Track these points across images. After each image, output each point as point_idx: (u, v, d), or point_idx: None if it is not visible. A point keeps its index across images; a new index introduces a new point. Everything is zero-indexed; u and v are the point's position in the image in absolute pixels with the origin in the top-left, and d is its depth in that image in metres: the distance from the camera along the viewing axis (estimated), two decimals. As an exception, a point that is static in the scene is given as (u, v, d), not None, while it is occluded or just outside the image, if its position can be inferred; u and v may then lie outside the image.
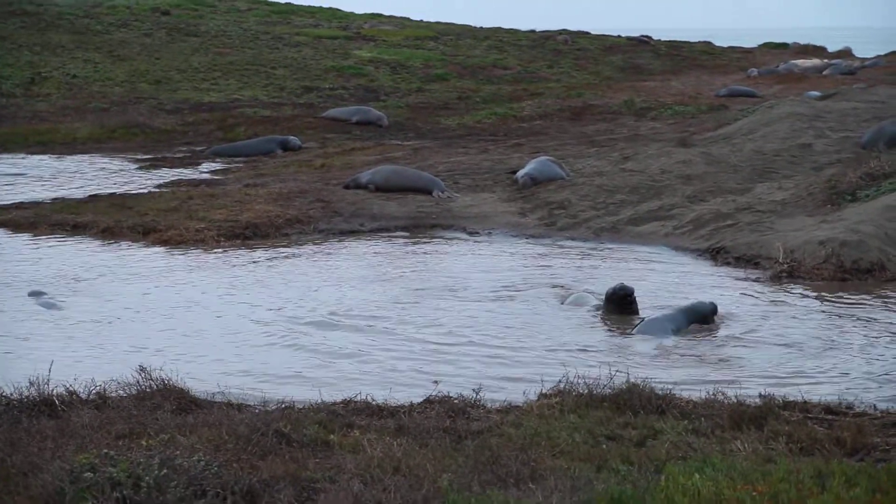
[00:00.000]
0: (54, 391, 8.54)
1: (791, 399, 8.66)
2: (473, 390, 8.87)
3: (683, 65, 41.69)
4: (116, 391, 8.80)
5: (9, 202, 18.74)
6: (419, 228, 17.40)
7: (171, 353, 10.75)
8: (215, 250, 15.61)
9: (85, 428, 7.66)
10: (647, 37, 46.69)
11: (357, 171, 20.70)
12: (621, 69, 39.77)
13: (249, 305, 12.71)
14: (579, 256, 15.69)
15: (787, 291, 13.47)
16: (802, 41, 51.71)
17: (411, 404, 8.74)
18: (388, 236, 16.95)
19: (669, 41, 46.48)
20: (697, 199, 17.90)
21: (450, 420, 8.16)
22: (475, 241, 16.69)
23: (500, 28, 46.26)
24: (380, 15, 47.30)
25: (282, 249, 15.84)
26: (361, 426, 7.96)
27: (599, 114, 30.25)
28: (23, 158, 24.47)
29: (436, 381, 9.84)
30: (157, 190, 20.22)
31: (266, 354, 10.87)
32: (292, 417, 8.00)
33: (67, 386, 8.74)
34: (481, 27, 46.06)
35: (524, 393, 9.12)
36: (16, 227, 16.88)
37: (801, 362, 10.57)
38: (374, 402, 8.73)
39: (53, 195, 19.58)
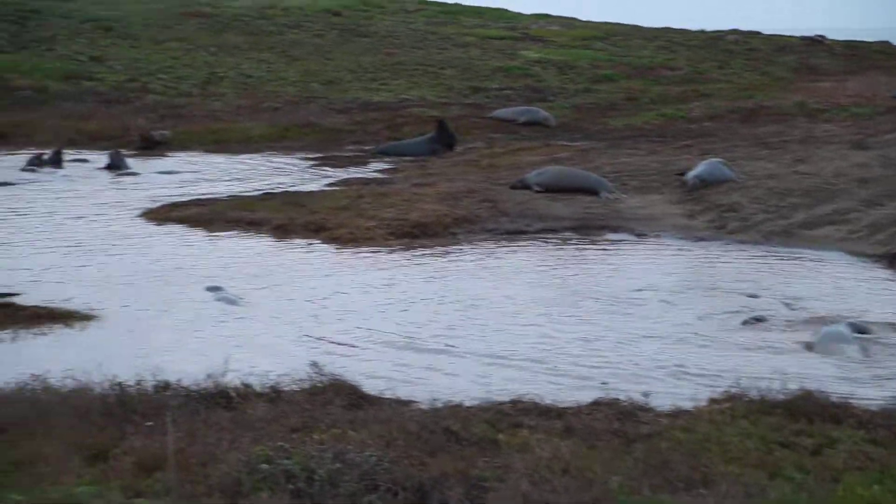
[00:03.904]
0: (230, 384, 8.78)
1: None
2: (642, 393, 8.81)
3: (859, 65, 40.51)
4: (290, 385, 8.98)
5: (186, 199, 19.27)
6: (586, 229, 17.31)
7: (343, 350, 10.92)
8: (385, 248, 15.78)
9: (260, 420, 7.83)
10: (821, 36, 45.54)
11: (524, 171, 20.70)
12: (794, 70, 38.87)
13: (422, 303, 12.82)
14: (750, 260, 15.41)
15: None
16: None
17: (579, 406, 8.71)
18: (555, 237, 16.90)
19: (846, 41, 45.24)
20: (874, 204, 17.42)
21: (618, 422, 8.10)
22: (643, 243, 16.53)
23: (669, 28, 45.70)
24: (547, 15, 47.18)
25: (449, 248, 15.93)
26: (529, 426, 7.96)
27: (771, 115, 29.64)
28: (200, 156, 25.17)
29: (604, 383, 9.80)
30: (328, 188, 20.57)
31: (434, 353, 10.94)
32: (461, 415, 8.06)
33: (243, 379, 8.97)
34: (650, 27, 45.59)
35: (694, 397, 9.01)
36: (193, 223, 17.34)
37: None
38: (541, 403, 8.72)
39: (229, 192, 20.08)
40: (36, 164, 23.08)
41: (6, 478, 6.44)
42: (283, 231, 16.73)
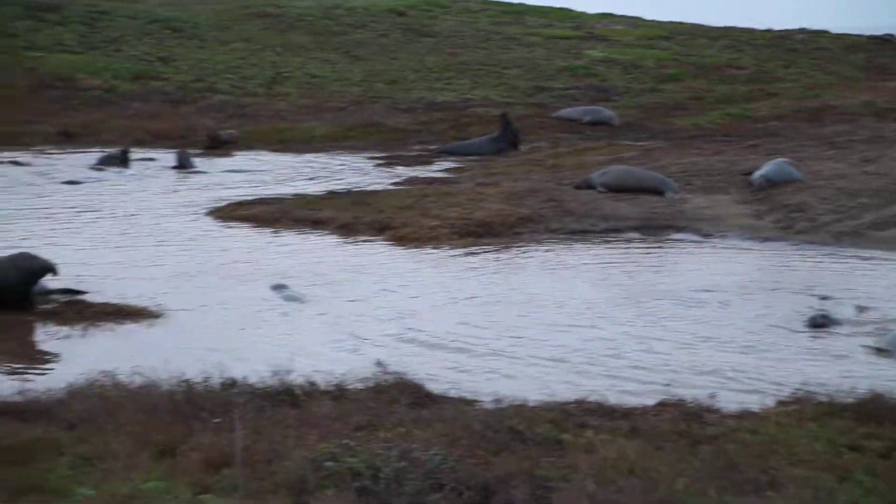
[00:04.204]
0: (295, 382, 8.82)
1: None
2: (708, 395, 8.74)
3: (930, 64, 39.96)
4: (354, 384, 9.01)
5: (252, 198, 19.40)
6: (651, 229, 17.21)
7: (407, 348, 10.94)
8: (449, 247, 15.79)
9: (325, 418, 7.86)
10: (890, 35, 44.94)
11: (588, 171, 20.62)
12: (862, 69, 38.40)
13: (485, 303, 12.81)
14: (819, 261, 15.25)
15: None
16: None
17: (644, 406, 8.67)
18: (620, 237, 16.82)
19: (916, 40, 44.58)
20: (945, 204, 17.18)
21: (684, 424, 8.04)
22: (708, 244, 16.40)
23: (734, 27, 45.34)
24: (612, 14, 46.96)
25: (513, 248, 15.92)
26: (594, 426, 7.92)
27: (838, 115, 29.30)
28: (265, 155, 25.35)
29: (667, 385, 9.73)
30: (393, 187, 20.63)
31: (497, 353, 10.92)
32: (525, 415, 8.04)
33: (307, 377, 9.01)
34: (715, 26, 45.23)
35: (760, 399, 8.93)
36: (259, 222, 17.46)
37: None
38: (606, 403, 8.68)
39: (294, 191, 20.20)
40: (106, 163, 23.36)
41: (77, 473, 6.52)
42: (347, 230, 16.79)
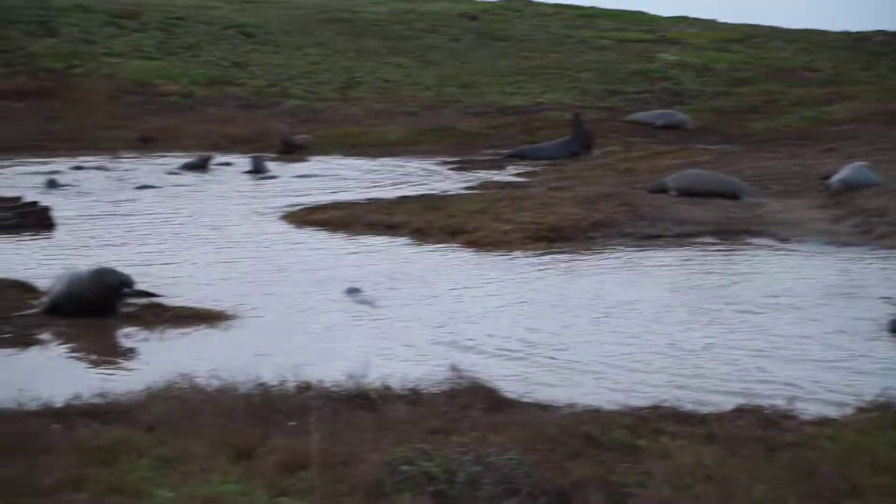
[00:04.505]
0: (370, 385, 8.86)
1: None
2: (786, 401, 8.65)
3: None
4: (429, 388, 9.03)
5: (326, 202, 19.52)
6: (726, 234, 17.05)
7: (480, 353, 10.93)
8: (521, 251, 15.77)
9: (400, 422, 7.89)
10: (971, 36, 44.14)
11: (661, 175, 20.51)
12: (942, 71, 37.79)
13: (558, 308, 12.78)
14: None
15: None
16: None
17: (720, 412, 8.59)
18: (694, 242, 16.69)
19: None
20: None
21: (761, 430, 7.96)
22: (784, 249, 16.23)
23: (809, 29, 44.82)
24: (686, 17, 46.63)
25: (586, 253, 15.86)
26: (670, 432, 7.87)
27: (918, 117, 28.87)
28: (338, 160, 25.50)
29: (743, 390, 9.64)
30: (465, 192, 20.65)
31: (570, 358, 10.89)
32: (600, 420, 8.01)
33: (382, 381, 9.04)
34: (790, 28, 44.76)
35: (839, 406, 8.83)
36: (332, 226, 17.56)
37: None
38: (682, 409, 8.62)
39: (367, 196, 20.30)
40: (186, 168, 23.68)
41: (156, 474, 6.60)
42: (420, 234, 16.83)
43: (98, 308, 11.90)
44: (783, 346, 11.21)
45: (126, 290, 12.06)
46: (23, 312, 11.87)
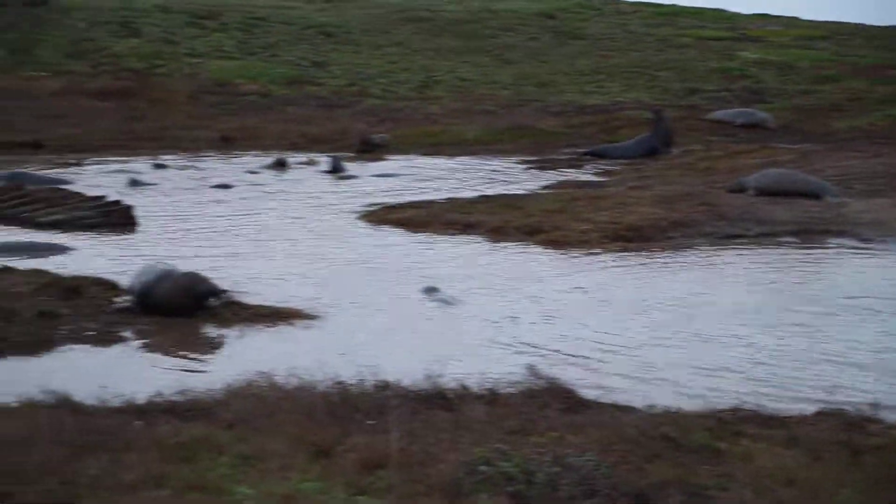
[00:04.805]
0: (448, 385, 8.86)
1: None
2: (870, 404, 8.51)
3: None
4: (506, 388, 9.00)
5: (403, 201, 19.58)
6: (807, 234, 16.83)
7: (557, 353, 10.89)
8: (599, 251, 15.69)
9: (478, 422, 7.87)
10: None
11: (741, 174, 20.30)
12: None
13: (636, 308, 12.70)
14: None
15: None
16: None
17: (802, 415, 8.48)
18: (775, 242, 16.49)
19: None
20: None
21: (845, 434, 7.83)
22: (868, 249, 15.98)
23: (895, 27, 44.11)
24: (767, 15, 46.11)
25: (664, 253, 15.74)
26: (750, 435, 7.77)
27: None
28: (416, 159, 25.56)
29: (827, 393, 9.50)
30: (543, 191, 20.60)
31: (647, 358, 10.80)
32: (680, 422, 7.93)
33: (460, 380, 9.04)
34: (875, 25, 44.08)
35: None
36: (410, 225, 17.60)
37: None
38: (763, 412, 8.52)
39: (445, 195, 20.32)
40: (268, 167, 23.91)
41: (236, 472, 6.65)
42: (498, 233, 16.81)
43: (183, 313, 12.03)
44: (864, 349, 11.03)
45: (212, 299, 12.17)
46: (111, 309, 12.01)
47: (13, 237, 16.50)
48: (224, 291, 12.33)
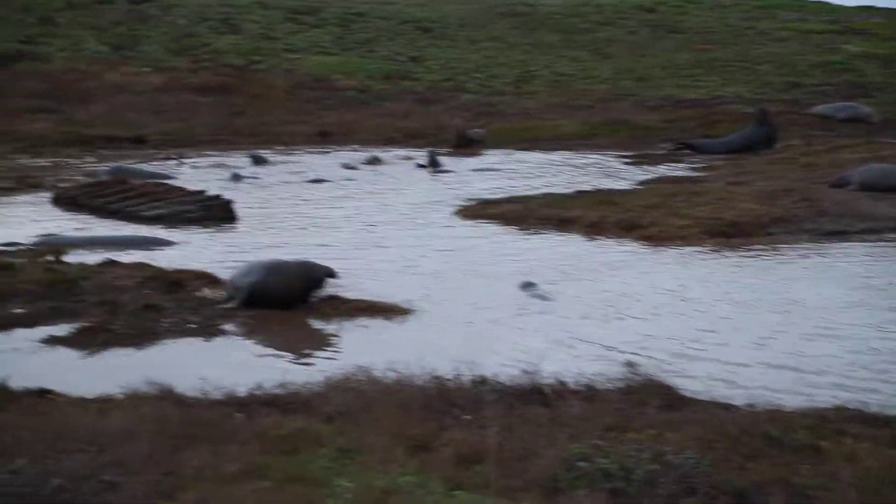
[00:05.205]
0: (544, 380, 8.83)
1: None
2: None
3: None
4: (603, 384, 8.95)
5: (499, 196, 19.57)
6: (913, 230, 16.52)
7: (654, 349, 10.80)
8: (698, 247, 15.54)
9: (575, 418, 7.84)
10: None
11: (843, 169, 19.97)
12: None
13: (735, 305, 12.56)
14: None
15: None
16: None
17: (908, 414, 8.32)
18: (879, 238, 16.19)
19: None
20: None
21: (953, 434, 7.67)
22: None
23: None
24: (871, 7, 45.32)
25: (765, 249, 15.54)
26: (854, 434, 7.64)
27: None
28: (512, 154, 25.54)
29: (932, 393, 9.32)
30: (641, 186, 20.45)
31: (747, 356, 10.68)
32: (781, 420, 7.82)
33: (556, 376, 9.01)
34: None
35: None
36: (506, 220, 17.60)
37: None
38: (867, 411, 8.36)
39: (541, 190, 20.26)
40: (365, 161, 24.06)
41: (336, 465, 6.70)
42: (595, 229, 16.74)
43: (296, 300, 12.19)
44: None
45: (327, 280, 12.39)
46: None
47: (118, 231, 16.81)
48: (337, 275, 12.52)
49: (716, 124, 27.94)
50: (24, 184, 21.10)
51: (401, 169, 23.82)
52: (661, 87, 32.95)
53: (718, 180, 20.57)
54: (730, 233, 16.21)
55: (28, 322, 11.45)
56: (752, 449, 7.11)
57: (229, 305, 12.12)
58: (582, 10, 41.82)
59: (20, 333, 11.12)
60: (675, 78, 34.04)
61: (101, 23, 37.07)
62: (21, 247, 15.19)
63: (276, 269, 12.35)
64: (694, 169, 22.76)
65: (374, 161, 24.21)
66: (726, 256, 15.11)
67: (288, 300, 12.19)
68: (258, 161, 24.24)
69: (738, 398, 8.94)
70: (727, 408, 8.50)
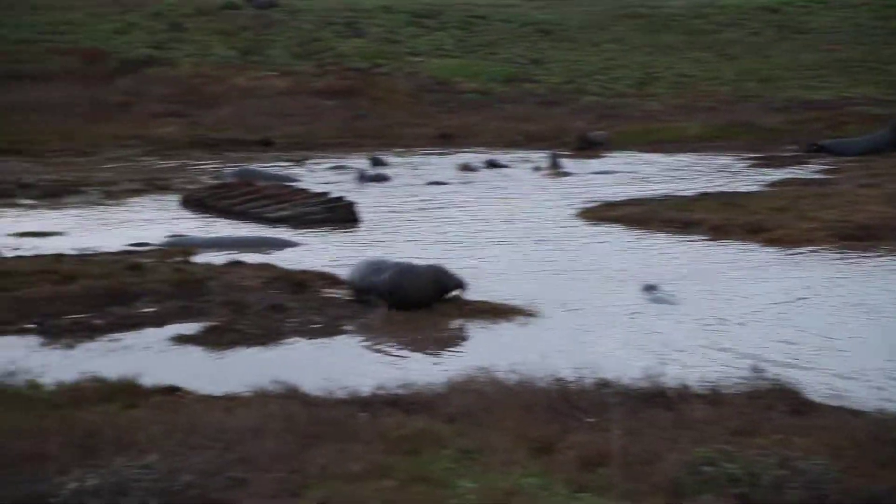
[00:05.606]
0: (668, 384, 8.75)
1: None
2: None
3: None
4: (728, 388, 8.84)
5: (622, 198, 19.44)
6: None
7: (780, 353, 10.62)
8: (827, 251, 15.23)
9: (699, 422, 7.75)
10: None
11: (980, 171, 19.45)
12: None
13: (865, 310, 12.28)
14: None
15: None
16: None
17: None
18: None
19: None
20: None
21: None
22: None
23: None
24: None
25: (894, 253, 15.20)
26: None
27: None
28: (634, 156, 25.36)
29: None
30: (766, 188, 20.14)
31: (879, 357, 10.44)
32: (913, 428, 7.65)
33: (680, 379, 8.92)
34: None
35: None
36: (628, 222, 17.46)
37: None
38: None
39: (664, 192, 20.08)
40: (488, 164, 24.08)
41: (458, 465, 6.72)
42: (719, 232, 16.51)
43: (425, 304, 12.30)
44: None
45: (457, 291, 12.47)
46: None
47: (244, 232, 17.09)
48: (466, 285, 12.60)
49: (843, 126, 27.40)
50: (154, 186, 21.57)
51: (522, 171, 23.80)
52: (785, 89, 32.42)
53: (847, 182, 20.16)
54: (859, 236, 15.85)
55: (157, 321, 11.72)
56: (883, 456, 6.95)
57: (346, 300, 12.29)
58: (705, 11, 41.33)
59: (150, 332, 11.38)
60: (801, 79, 33.46)
61: (228, 28, 37.74)
62: (151, 247, 15.53)
63: (411, 273, 12.46)
64: (821, 171, 22.34)
65: (495, 163, 24.24)
66: (855, 260, 14.78)
67: (419, 304, 12.28)
68: (379, 163, 24.44)
69: (868, 404, 8.75)
70: (856, 414, 8.33)
